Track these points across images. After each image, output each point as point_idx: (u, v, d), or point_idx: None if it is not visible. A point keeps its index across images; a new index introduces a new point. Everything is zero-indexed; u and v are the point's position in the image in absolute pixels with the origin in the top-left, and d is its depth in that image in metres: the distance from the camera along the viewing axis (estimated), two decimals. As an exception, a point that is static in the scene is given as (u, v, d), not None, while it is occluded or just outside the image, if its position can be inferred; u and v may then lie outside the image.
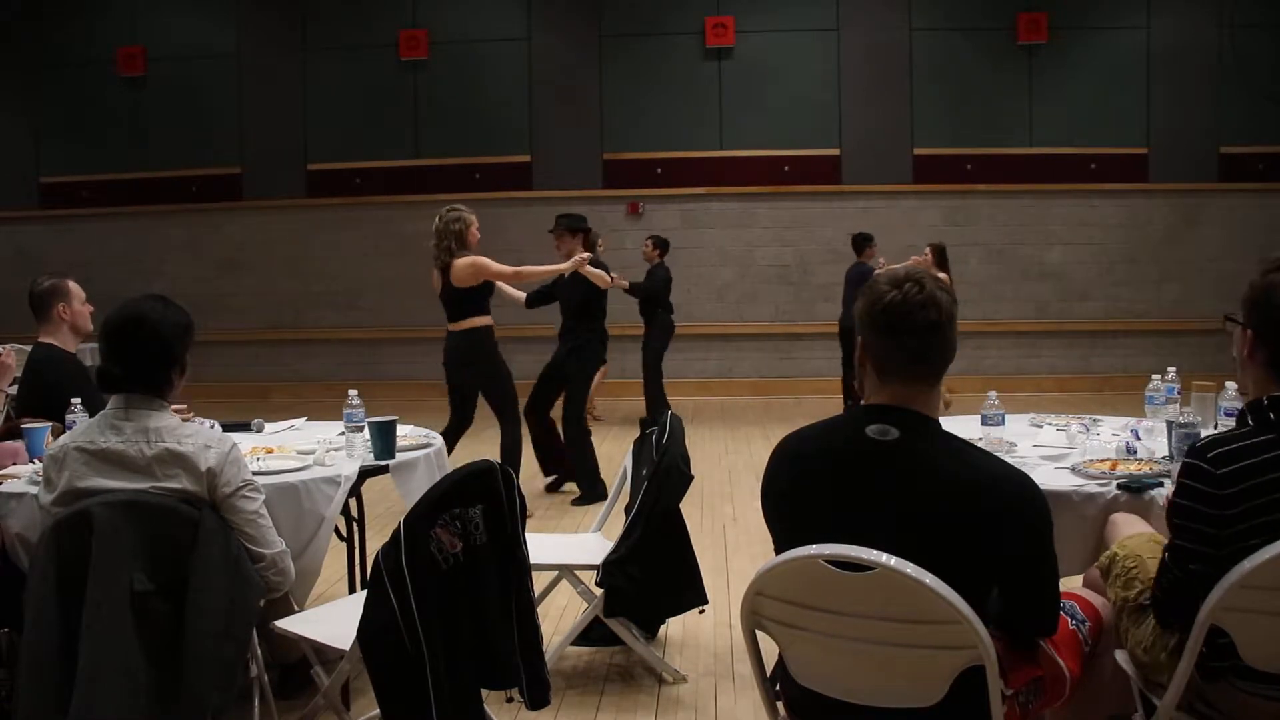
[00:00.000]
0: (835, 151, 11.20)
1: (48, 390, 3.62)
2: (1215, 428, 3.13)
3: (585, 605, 3.57)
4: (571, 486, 6.41)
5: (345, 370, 11.06)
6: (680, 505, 3.55)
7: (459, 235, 5.51)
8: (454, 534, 2.35)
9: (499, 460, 5.34)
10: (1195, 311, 10.79)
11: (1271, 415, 2.03)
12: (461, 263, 5.49)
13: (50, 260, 10.04)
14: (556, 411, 6.38)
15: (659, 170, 11.28)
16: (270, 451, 3.42)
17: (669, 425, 3.62)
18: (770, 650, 2.03)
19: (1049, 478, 2.82)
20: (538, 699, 2.50)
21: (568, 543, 4.08)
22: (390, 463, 3.36)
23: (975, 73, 11.06)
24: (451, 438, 5.70)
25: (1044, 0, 10.95)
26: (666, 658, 3.68)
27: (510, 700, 2.58)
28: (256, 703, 2.72)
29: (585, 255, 6.01)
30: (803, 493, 2.00)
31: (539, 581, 3.41)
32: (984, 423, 3.25)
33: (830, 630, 1.86)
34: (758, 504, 2.12)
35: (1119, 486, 2.74)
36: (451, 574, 2.34)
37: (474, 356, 5.63)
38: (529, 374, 6.47)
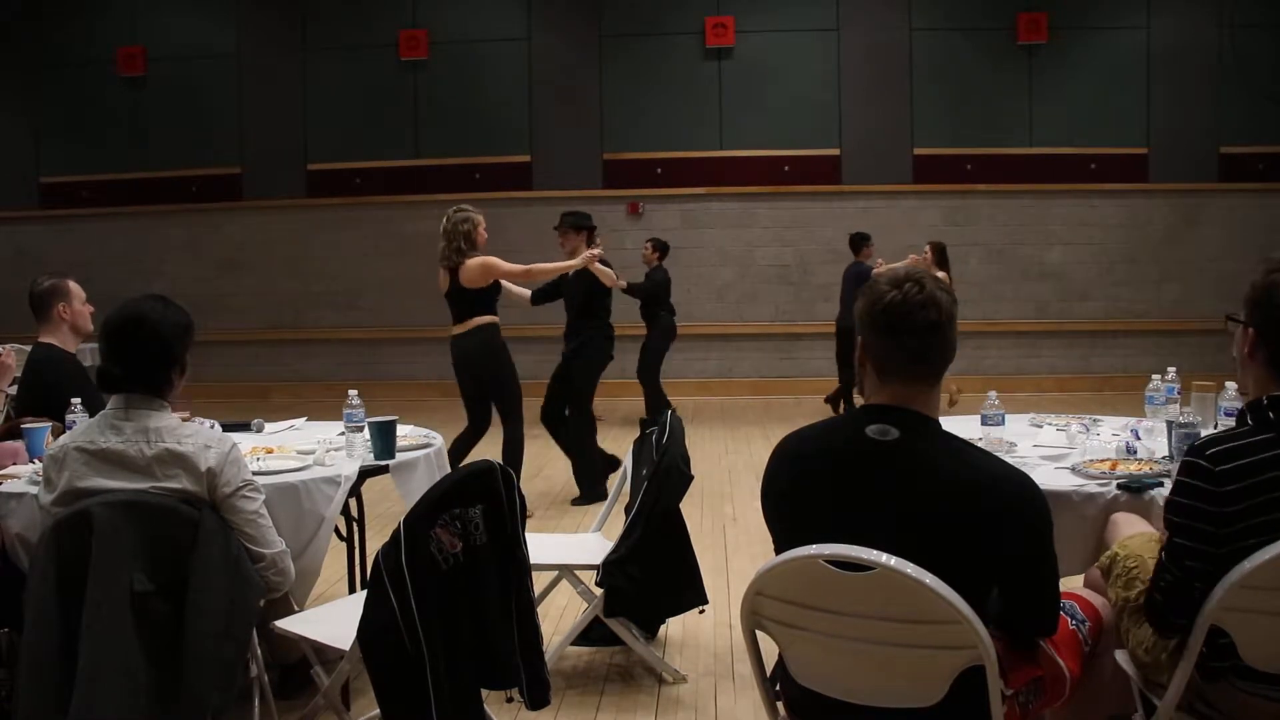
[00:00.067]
0: (835, 151, 11.20)
1: (48, 390, 3.62)
2: (1215, 428, 3.13)
3: (585, 605, 3.57)
4: (569, 487, 6.40)
5: (345, 370, 11.06)
6: (680, 505, 3.55)
7: (468, 235, 5.48)
8: (454, 534, 2.35)
9: (499, 459, 5.33)
10: (1195, 311, 10.80)
11: (1271, 415, 2.03)
12: (472, 263, 5.47)
13: (50, 260, 10.04)
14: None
15: (659, 170, 11.29)
16: (270, 451, 3.42)
17: (669, 425, 3.62)
18: (770, 650, 2.03)
19: (1049, 478, 2.82)
20: (538, 699, 2.50)
21: (568, 543, 4.08)
22: (390, 463, 3.36)
23: (975, 73, 11.07)
24: (468, 444, 5.67)
25: (1044, 0, 10.95)
26: (666, 658, 3.68)
27: (510, 700, 2.58)
28: (256, 703, 2.72)
29: (596, 251, 5.96)
30: (803, 493, 2.00)
31: (539, 581, 3.41)
32: (984, 423, 3.25)
33: (830, 630, 1.86)
34: (758, 504, 2.12)
35: (1119, 486, 2.74)
36: (451, 574, 2.34)
37: (483, 353, 5.59)
38: (531, 374, 6.46)
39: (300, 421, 4.23)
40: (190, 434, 2.54)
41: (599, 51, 11.28)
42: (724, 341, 11.31)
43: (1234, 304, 2.19)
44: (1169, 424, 3.08)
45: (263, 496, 2.64)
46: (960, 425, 3.10)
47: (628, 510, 3.61)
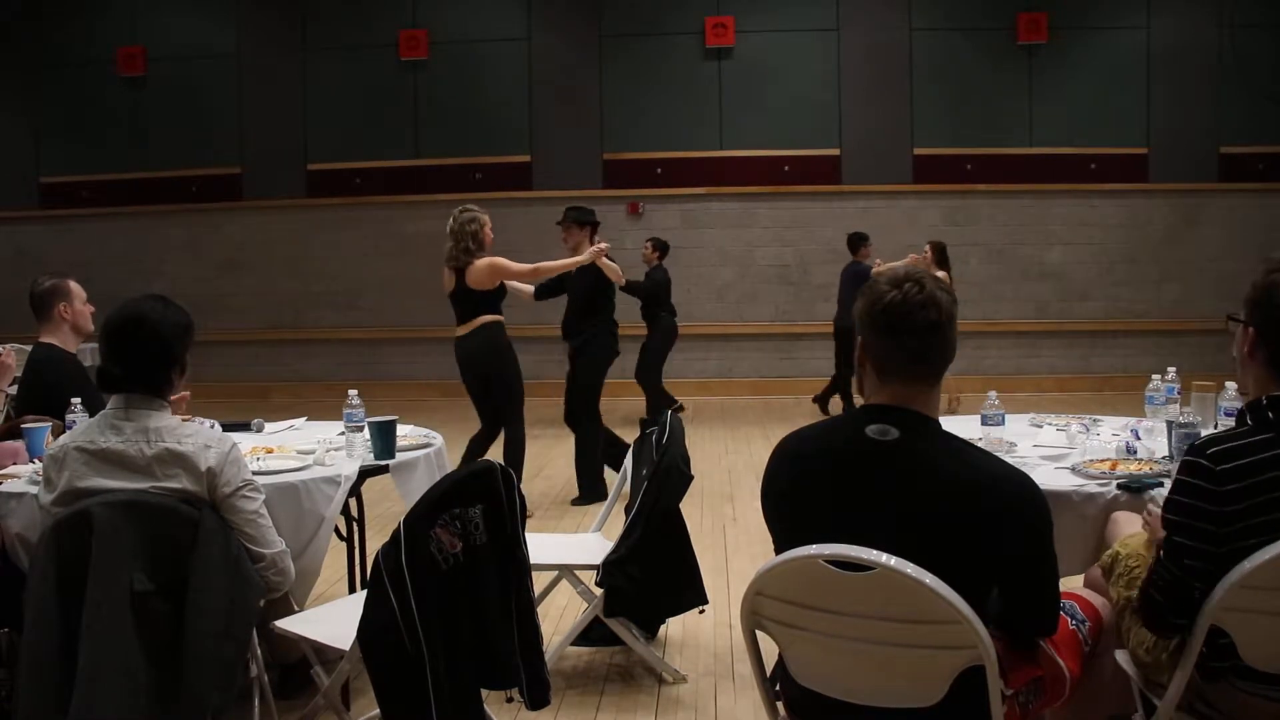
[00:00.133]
0: (835, 151, 11.20)
1: (48, 390, 3.62)
2: (1215, 428, 3.13)
3: (585, 605, 3.57)
4: (569, 487, 6.40)
5: (345, 370, 11.06)
6: (680, 505, 3.55)
7: (475, 235, 5.46)
8: (454, 534, 2.35)
9: (501, 459, 5.32)
10: (1195, 311, 10.80)
11: (1271, 414, 2.03)
12: (480, 264, 5.45)
13: (50, 260, 10.04)
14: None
15: (659, 170, 11.29)
16: (270, 451, 3.43)
17: (669, 425, 3.62)
18: (770, 650, 2.03)
19: (1049, 478, 2.83)
20: (538, 699, 2.50)
21: (568, 543, 4.08)
22: (390, 463, 3.36)
23: (975, 73, 11.06)
24: (483, 446, 5.64)
25: (1044, 0, 10.95)
26: (666, 658, 3.68)
27: (510, 700, 2.58)
28: (256, 703, 2.72)
29: (603, 245, 5.93)
30: (803, 493, 2.00)
31: (539, 581, 3.41)
32: (984, 423, 3.25)
33: (830, 630, 1.86)
34: (758, 504, 2.12)
35: (1119, 486, 2.74)
36: (451, 574, 2.34)
37: (487, 351, 5.56)
38: (532, 374, 6.44)
39: (300, 421, 4.23)
40: (190, 434, 2.54)
41: (599, 51, 11.28)
42: (724, 341, 11.31)
43: (1234, 304, 2.19)
44: (1169, 424, 3.08)
45: (263, 496, 2.64)
46: (960, 425, 3.10)
47: (628, 510, 3.61)
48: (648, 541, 3.42)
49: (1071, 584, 2.54)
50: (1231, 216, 11.04)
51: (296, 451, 3.40)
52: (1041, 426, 3.60)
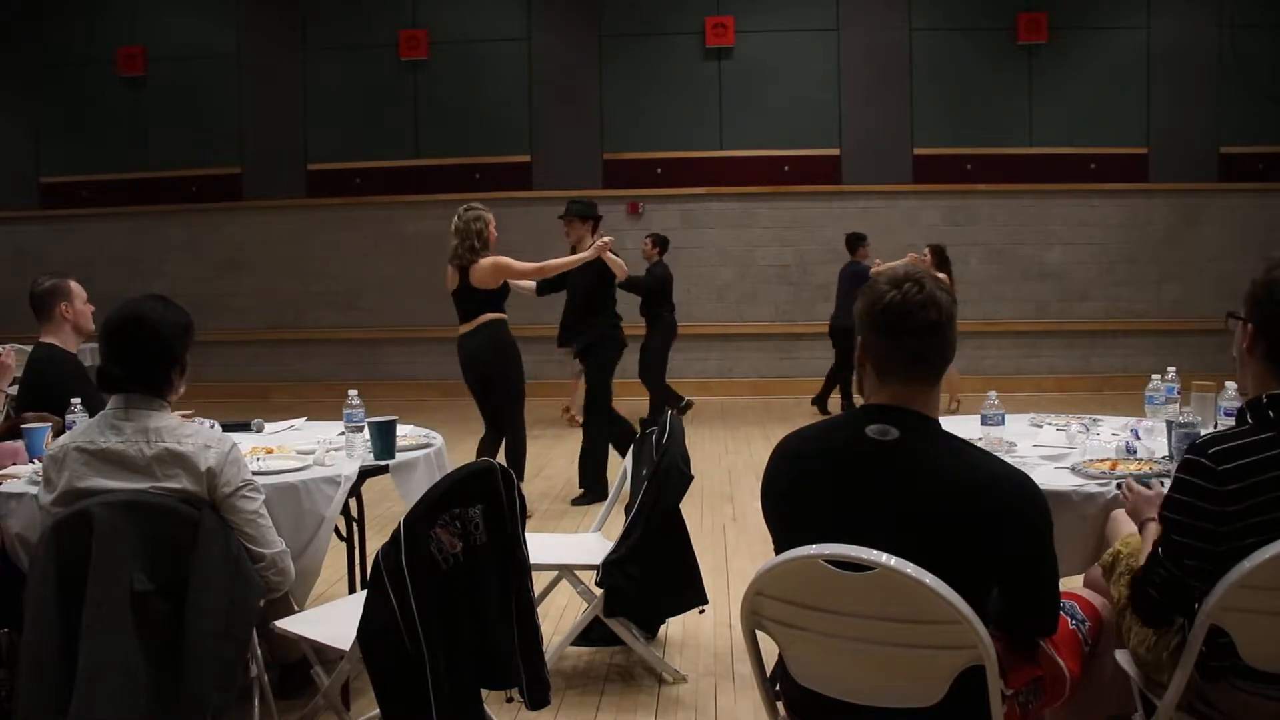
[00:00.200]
0: (835, 151, 11.20)
1: (48, 390, 3.62)
2: (1215, 428, 3.13)
3: (585, 605, 3.57)
4: (569, 486, 6.40)
5: (345, 370, 11.06)
6: (680, 505, 3.55)
7: (480, 234, 5.44)
8: (454, 534, 2.35)
9: (503, 460, 5.30)
10: (1195, 311, 10.79)
11: (1271, 413, 2.03)
12: (484, 263, 5.43)
13: (50, 260, 10.04)
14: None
15: (659, 170, 11.29)
16: (270, 451, 3.43)
17: (669, 425, 3.62)
18: (770, 650, 2.03)
19: (1049, 478, 2.83)
20: (538, 699, 2.50)
21: (568, 543, 4.08)
22: (390, 463, 3.36)
23: (975, 73, 11.07)
24: (492, 450, 5.60)
25: (1044, 0, 10.95)
26: (666, 658, 3.68)
27: (510, 700, 2.58)
28: (256, 703, 2.72)
29: (608, 239, 5.89)
30: (803, 493, 2.00)
31: (539, 581, 3.41)
32: (984, 423, 3.25)
33: (830, 630, 1.86)
34: (758, 504, 2.12)
35: (1119, 486, 2.74)
36: (451, 574, 2.34)
37: (489, 349, 5.54)
38: (533, 375, 6.42)
39: (300, 421, 4.23)
40: (190, 434, 2.54)
41: (599, 51, 11.28)
42: (724, 341, 11.31)
43: (1234, 304, 2.19)
44: (1169, 424, 3.08)
45: (262, 496, 2.64)
46: (960, 425, 3.11)
47: (628, 510, 3.61)
48: (648, 541, 3.42)
49: (1071, 584, 2.54)
50: (1231, 216, 11.04)
51: (296, 451, 3.40)
52: (1041, 426, 3.60)
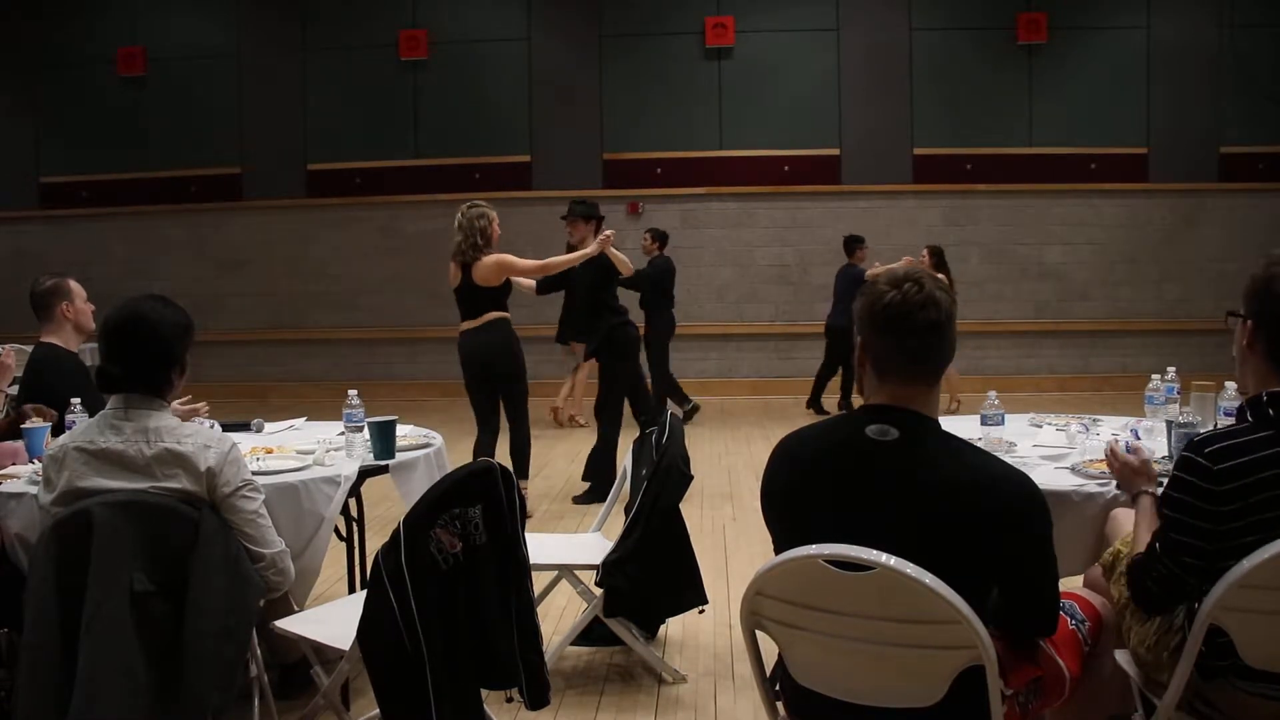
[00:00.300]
0: (835, 151, 11.20)
1: (48, 390, 3.62)
2: (1214, 427, 3.13)
3: (585, 605, 3.57)
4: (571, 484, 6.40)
5: (345, 370, 11.06)
6: (680, 505, 3.55)
7: (484, 232, 5.45)
8: (454, 534, 2.35)
9: (508, 458, 5.32)
10: (1195, 311, 10.80)
11: (1271, 411, 2.03)
12: (487, 261, 5.44)
13: (50, 260, 10.05)
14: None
15: (659, 170, 11.29)
16: (270, 451, 3.43)
17: (669, 425, 3.62)
18: (770, 650, 2.03)
19: (1049, 478, 2.82)
20: (537, 699, 2.50)
21: (568, 543, 4.08)
22: (390, 463, 3.36)
23: (975, 73, 11.07)
24: (487, 450, 5.56)
25: (1044, 0, 10.95)
26: (666, 658, 3.68)
27: (510, 700, 2.58)
28: (256, 703, 2.72)
29: (610, 233, 5.89)
30: (802, 493, 2.00)
31: (539, 581, 3.42)
32: (984, 423, 3.25)
33: (830, 630, 1.86)
34: (758, 504, 2.11)
35: (1119, 486, 2.74)
36: (451, 574, 2.34)
37: (499, 348, 5.54)
38: (531, 374, 6.43)
39: (300, 421, 4.23)
40: (190, 434, 2.54)
41: (599, 51, 11.28)
42: (724, 341, 11.31)
43: (1234, 304, 2.19)
44: (1169, 424, 3.08)
45: (262, 496, 2.64)
46: (960, 425, 3.11)
47: (628, 510, 3.61)
48: (647, 541, 3.42)
49: (1071, 584, 2.54)
50: (1231, 216, 11.04)
51: (296, 451, 3.41)
52: (1041, 426, 3.60)
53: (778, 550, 1.96)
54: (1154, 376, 3.65)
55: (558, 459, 7.52)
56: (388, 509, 5.32)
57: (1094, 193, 11.13)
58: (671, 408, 7.54)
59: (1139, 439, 3.18)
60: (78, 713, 2.21)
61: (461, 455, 5.57)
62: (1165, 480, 2.14)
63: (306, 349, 11.60)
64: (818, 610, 1.86)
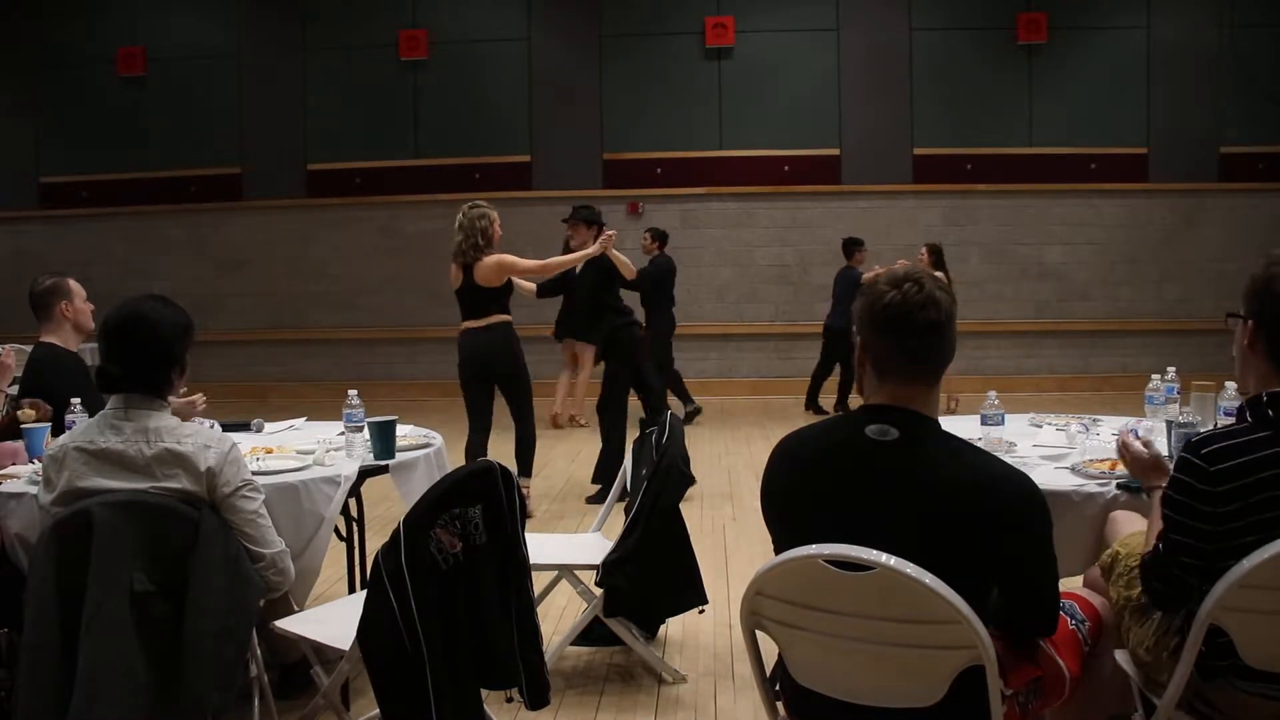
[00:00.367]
0: (835, 151, 11.20)
1: (48, 390, 3.62)
2: (1215, 427, 3.13)
3: (585, 605, 3.57)
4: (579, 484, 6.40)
5: (345, 370, 11.06)
6: (680, 505, 3.55)
7: (485, 232, 5.45)
8: (454, 534, 2.35)
9: (514, 458, 5.33)
10: (1195, 311, 10.80)
11: (1270, 412, 2.02)
12: (488, 261, 5.44)
13: (50, 260, 10.04)
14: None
15: (659, 170, 11.28)
16: (270, 451, 3.43)
17: (669, 425, 3.62)
18: (770, 650, 2.03)
19: (1049, 478, 2.83)
20: (537, 699, 2.50)
21: (568, 543, 4.08)
22: (390, 463, 3.36)
23: (975, 73, 11.06)
24: (484, 447, 5.59)
25: (1044, 0, 10.95)
26: (666, 658, 3.68)
27: (510, 700, 2.58)
28: (256, 703, 2.72)
29: (611, 234, 5.88)
30: (802, 493, 2.00)
31: (539, 581, 3.41)
32: (984, 423, 3.25)
33: (830, 630, 1.86)
34: (758, 504, 2.11)
35: (1119, 486, 2.74)
36: (451, 574, 2.34)
37: (506, 348, 5.56)
38: (534, 374, 6.42)
39: (300, 421, 4.23)
40: (190, 434, 2.54)
41: (599, 51, 11.28)
42: (724, 341, 11.31)
43: (1234, 304, 2.19)
44: (1169, 424, 3.08)
45: (262, 496, 2.64)
46: (960, 425, 3.11)
47: (627, 510, 3.61)
48: (647, 541, 3.42)
49: (1071, 584, 2.54)
50: (1231, 216, 11.04)
51: (296, 451, 3.41)
52: (1041, 426, 3.60)
53: (778, 550, 1.96)
54: (1154, 376, 3.65)
55: (558, 459, 7.52)
56: (388, 509, 5.32)
57: (1094, 193, 11.13)
58: (674, 405, 7.54)
59: (1139, 439, 3.18)
60: (78, 713, 2.21)
61: (461, 456, 5.59)
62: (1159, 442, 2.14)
63: (306, 349, 11.60)
64: (818, 610, 1.86)
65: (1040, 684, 2.04)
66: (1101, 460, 2.96)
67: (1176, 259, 11.11)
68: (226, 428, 3.62)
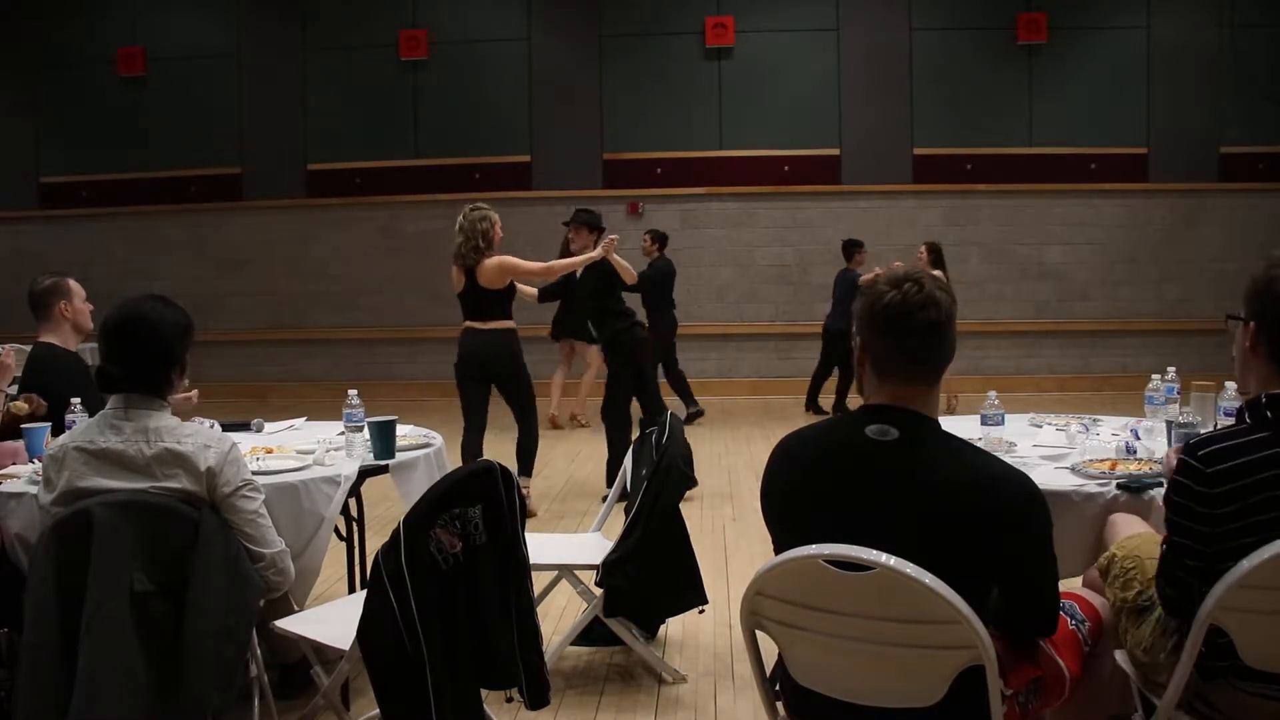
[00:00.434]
0: (835, 151, 11.20)
1: (48, 390, 3.62)
2: (1215, 428, 3.13)
3: (585, 605, 3.57)
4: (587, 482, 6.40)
5: (345, 370, 11.06)
6: (680, 505, 3.55)
7: (486, 234, 5.45)
8: (454, 534, 2.35)
9: (514, 458, 5.34)
10: (1195, 311, 10.79)
11: (1269, 413, 2.02)
12: (490, 263, 5.44)
13: (50, 260, 10.03)
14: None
15: (659, 170, 11.28)
16: (270, 451, 3.43)
17: (669, 425, 3.63)
18: (770, 650, 2.03)
19: (1049, 478, 2.83)
20: (537, 699, 2.50)
21: (568, 543, 4.08)
22: (390, 463, 3.36)
23: (975, 73, 11.06)
24: (479, 446, 5.60)
25: (1044, 0, 10.95)
26: (666, 658, 3.68)
27: (510, 700, 2.58)
28: (256, 703, 2.72)
29: (613, 238, 5.88)
30: (802, 493, 2.00)
31: (539, 581, 3.41)
32: (984, 423, 3.25)
33: (830, 630, 1.86)
34: (758, 504, 2.11)
35: (1119, 486, 2.74)
36: (451, 574, 2.34)
37: (510, 352, 5.57)
38: (534, 375, 6.42)
39: (300, 421, 4.23)
40: (190, 434, 2.54)
41: (599, 51, 11.27)
42: (724, 341, 11.31)
43: (1234, 304, 2.18)
44: (1169, 424, 3.09)
45: (262, 496, 2.64)
46: (960, 425, 3.11)
47: (627, 510, 3.61)
48: (647, 541, 3.42)
49: (1071, 584, 2.54)
50: (1231, 216, 11.04)
51: (296, 451, 3.41)
52: (1041, 426, 3.60)
53: (778, 550, 1.96)
54: (1154, 376, 3.65)
55: (558, 459, 7.52)
56: (388, 509, 5.32)
57: (1094, 193, 11.13)
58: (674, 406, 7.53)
59: (1139, 439, 3.19)
60: (78, 713, 2.21)
61: (457, 457, 5.60)
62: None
63: (306, 349, 11.59)
64: (818, 610, 1.86)
65: (1040, 684, 2.04)
66: (1101, 460, 2.97)
67: (1176, 259, 11.11)
68: (226, 428, 3.62)
